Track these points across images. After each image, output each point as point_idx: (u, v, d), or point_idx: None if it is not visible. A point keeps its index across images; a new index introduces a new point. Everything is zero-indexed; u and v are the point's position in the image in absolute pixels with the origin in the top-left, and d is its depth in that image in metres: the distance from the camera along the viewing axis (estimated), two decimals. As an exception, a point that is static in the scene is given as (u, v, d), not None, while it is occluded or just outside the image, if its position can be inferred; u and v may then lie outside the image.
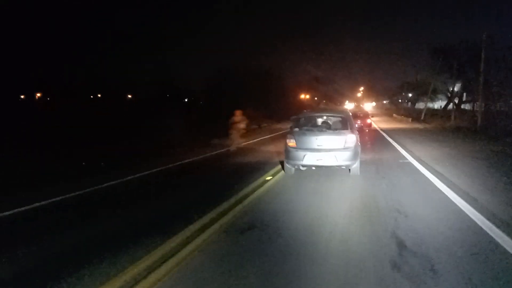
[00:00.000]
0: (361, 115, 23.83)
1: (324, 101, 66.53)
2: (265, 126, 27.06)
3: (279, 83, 40.09)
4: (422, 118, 34.92)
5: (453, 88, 31.59)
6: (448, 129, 22.84)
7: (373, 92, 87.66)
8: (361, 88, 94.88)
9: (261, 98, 31.49)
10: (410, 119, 34.87)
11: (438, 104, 64.49)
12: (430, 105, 69.73)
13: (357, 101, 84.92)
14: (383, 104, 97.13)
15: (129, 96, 39.19)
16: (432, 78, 36.00)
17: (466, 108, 35.24)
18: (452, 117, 28.01)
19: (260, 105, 29.20)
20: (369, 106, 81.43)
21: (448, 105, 37.65)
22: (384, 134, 20.01)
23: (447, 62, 29.55)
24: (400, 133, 21.19)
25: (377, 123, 31.02)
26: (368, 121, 23.85)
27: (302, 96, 64.01)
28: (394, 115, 47.94)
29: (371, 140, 16.97)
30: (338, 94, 72.19)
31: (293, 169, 8.04)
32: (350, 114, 9.06)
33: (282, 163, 8.74)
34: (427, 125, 27.93)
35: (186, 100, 33.41)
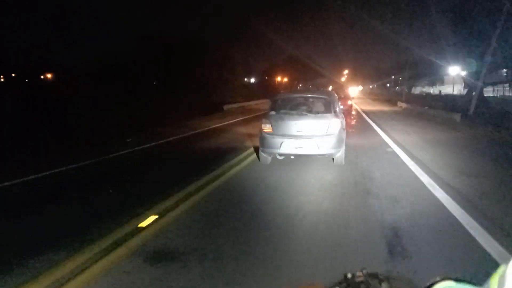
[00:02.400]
0: (342, 96, 23.24)
1: (300, 85, 55.82)
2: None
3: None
4: (471, 112, 20.00)
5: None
6: None
7: (359, 76, 78.59)
8: (346, 71, 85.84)
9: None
10: (458, 117, 17.02)
11: (435, 90, 55.86)
12: (426, 89, 60.46)
13: (342, 85, 75.40)
14: (370, 88, 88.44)
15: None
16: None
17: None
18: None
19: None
20: (355, 90, 71.96)
21: (472, 91, 27.68)
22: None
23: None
24: None
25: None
26: (349, 102, 24.22)
27: (279, 78, 53.98)
28: (400, 104, 30.49)
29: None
30: (319, 76, 62.08)
31: (270, 158, 7.17)
32: (336, 95, 8.09)
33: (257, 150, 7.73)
34: None
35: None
